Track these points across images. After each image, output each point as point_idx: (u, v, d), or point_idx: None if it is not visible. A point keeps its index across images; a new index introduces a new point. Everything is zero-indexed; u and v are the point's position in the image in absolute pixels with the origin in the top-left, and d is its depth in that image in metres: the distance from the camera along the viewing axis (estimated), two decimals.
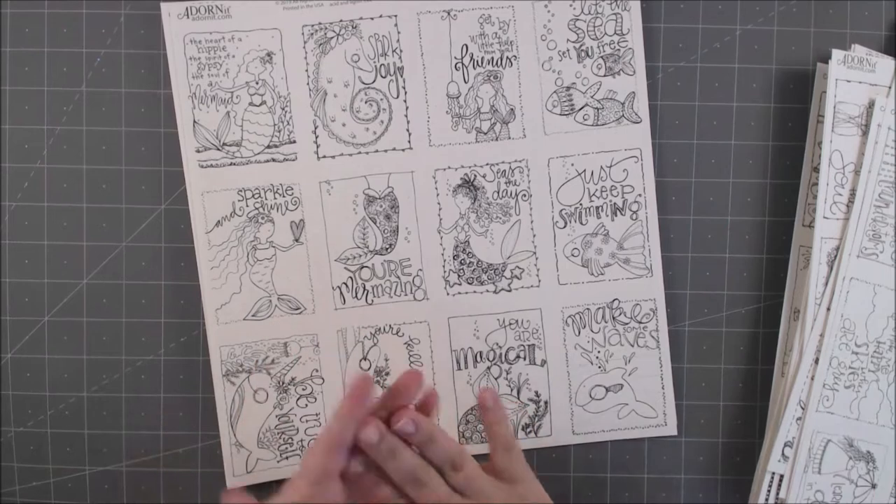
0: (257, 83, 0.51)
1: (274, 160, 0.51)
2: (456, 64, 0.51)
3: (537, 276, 0.52)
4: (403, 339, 0.52)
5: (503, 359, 0.52)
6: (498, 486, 0.41)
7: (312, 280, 0.52)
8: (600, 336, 0.52)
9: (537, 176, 0.52)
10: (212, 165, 0.51)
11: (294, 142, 0.51)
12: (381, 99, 0.51)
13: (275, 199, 0.51)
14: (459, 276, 0.52)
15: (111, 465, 0.53)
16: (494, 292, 0.52)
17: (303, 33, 0.51)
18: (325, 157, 0.51)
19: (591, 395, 0.52)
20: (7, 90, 0.52)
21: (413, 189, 0.52)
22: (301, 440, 0.52)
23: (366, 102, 0.51)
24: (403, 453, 0.40)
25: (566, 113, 0.52)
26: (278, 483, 0.52)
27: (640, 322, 0.52)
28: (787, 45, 0.52)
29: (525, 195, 0.52)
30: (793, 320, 0.51)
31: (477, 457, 0.52)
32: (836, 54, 0.50)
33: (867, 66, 0.50)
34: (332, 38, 0.51)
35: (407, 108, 0.51)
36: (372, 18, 0.51)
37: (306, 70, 0.51)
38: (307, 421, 0.52)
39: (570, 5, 0.51)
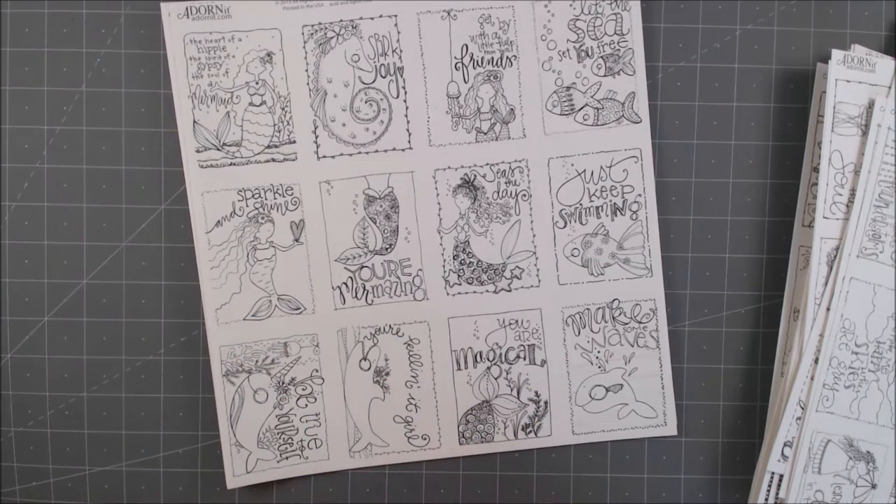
0: (257, 83, 0.51)
1: (274, 160, 0.51)
2: (456, 64, 0.51)
3: (537, 276, 0.52)
4: (403, 339, 0.52)
5: (503, 359, 0.52)
6: None
7: (312, 280, 0.52)
8: (600, 336, 0.52)
9: (537, 176, 0.52)
10: (212, 165, 0.51)
11: (294, 142, 0.51)
12: (381, 99, 0.51)
13: (275, 199, 0.51)
14: (459, 276, 0.52)
15: (111, 465, 0.53)
16: (494, 292, 0.52)
17: (303, 33, 0.51)
18: (325, 157, 0.51)
19: (591, 395, 0.52)
20: (7, 90, 0.52)
21: (413, 189, 0.52)
22: (301, 440, 0.52)
23: (366, 102, 0.51)
24: None
25: (566, 113, 0.52)
26: (278, 483, 0.52)
27: (640, 322, 0.52)
28: (787, 45, 0.52)
29: (525, 195, 0.52)
30: (793, 320, 0.51)
31: (476, 458, 0.53)
32: (836, 54, 0.50)
33: (867, 66, 0.50)
34: (332, 38, 0.51)
35: (407, 108, 0.51)
36: (372, 18, 0.51)
37: (306, 70, 0.51)
38: (307, 421, 0.52)
39: (570, 5, 0.51)
